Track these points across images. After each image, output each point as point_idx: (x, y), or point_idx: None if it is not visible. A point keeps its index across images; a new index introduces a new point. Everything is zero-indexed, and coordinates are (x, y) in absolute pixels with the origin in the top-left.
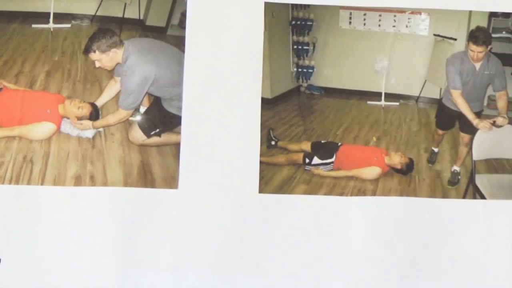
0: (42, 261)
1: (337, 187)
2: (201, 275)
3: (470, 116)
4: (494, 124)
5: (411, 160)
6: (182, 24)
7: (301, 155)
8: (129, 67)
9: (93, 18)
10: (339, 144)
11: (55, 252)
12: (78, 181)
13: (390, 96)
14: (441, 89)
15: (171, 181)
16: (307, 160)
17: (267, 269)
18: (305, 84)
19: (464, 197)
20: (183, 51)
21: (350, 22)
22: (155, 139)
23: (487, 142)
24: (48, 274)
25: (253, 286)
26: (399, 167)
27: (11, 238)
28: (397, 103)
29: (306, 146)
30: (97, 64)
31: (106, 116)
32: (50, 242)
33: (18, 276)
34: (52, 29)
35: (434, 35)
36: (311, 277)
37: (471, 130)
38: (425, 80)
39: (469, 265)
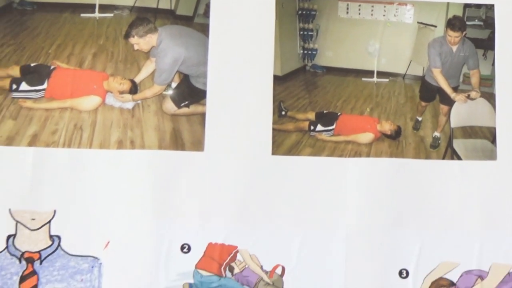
0: (90, 212)
1: (337, 150)
2: (223, 222)
3: (448, 90)
4: (468, 97)
5: (399, 127)
6: (206, 14)
7: (306, 123)
8: (162, 50)
9: (132, 9)
10: (339, 114)
11: (101, 204)
12: (120, 145)
13: (381, 74)
14: (424, 68)
15: (198, 145)
16: (312, 127)
17: (278, 218)
18: (310, 64)
19: (443, 158)
20: (207, 36)
21: (347, 12)
22: (184, 110)
23: (462, 112)
24: (95, 222)
25: (266, 233)
26: (389, 133)
27: (65, 193)
28: (387, 80)
29: (311, 115)
30: (136, 47)
31: (143, 91)
32: (96, 196)
33: (70, 224)
34: (97, 18)
35: (418, 22)
36: (316, 225)
37: (449, 102)
38: (410, 60)
39: (447, 216)
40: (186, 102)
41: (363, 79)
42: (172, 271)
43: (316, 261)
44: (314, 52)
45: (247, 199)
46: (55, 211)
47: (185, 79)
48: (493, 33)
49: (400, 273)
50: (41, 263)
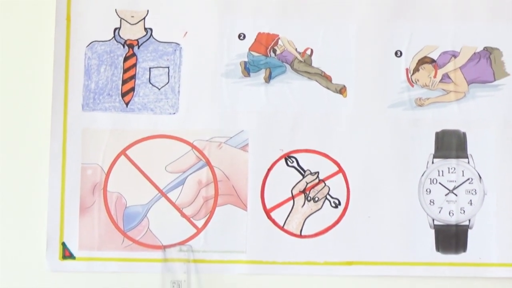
0: (172, 11)
1: None
2: (269, 17)
3: None
4: None
5: None
6: None
7: None
8: None
9: None
10: None
11: (180, 5)
12: None
13: None
14: None
15: None
16: None
17: (308, 14)
18: None
19: None
20: None
21: None
22: None
23: None
24: (176, 18)
25: (299, 25)
26: None
27: None
28: None
29: None
30: None
31: None
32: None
33: (159, 20)
34: None
35: None
36: (335, 19)
37: None
38: None
39: (430, 11)
40: None
41: None
42: (232, 53)
43: (336, 44)
44: None
45: (284, 4)
46: (148, 10)
47: None
48: None
49: (396, 53)
50: (138, 47)
